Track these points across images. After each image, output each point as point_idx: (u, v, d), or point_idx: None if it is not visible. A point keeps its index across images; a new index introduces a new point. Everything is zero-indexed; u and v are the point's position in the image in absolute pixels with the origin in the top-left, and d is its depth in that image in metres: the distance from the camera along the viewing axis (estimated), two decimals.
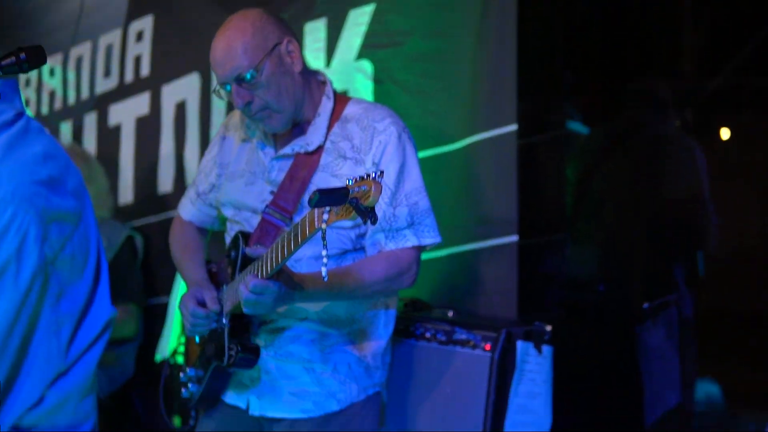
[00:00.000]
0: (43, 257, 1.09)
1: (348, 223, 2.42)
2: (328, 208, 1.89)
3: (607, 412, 3.58)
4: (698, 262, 3.74)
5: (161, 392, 2.88)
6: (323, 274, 1.91)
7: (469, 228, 3.29)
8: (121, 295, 4.05)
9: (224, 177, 2.71)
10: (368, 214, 1.84)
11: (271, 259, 2.21)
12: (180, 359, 2.83)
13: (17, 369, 1.08)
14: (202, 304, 2.53)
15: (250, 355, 2.47)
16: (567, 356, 3.14)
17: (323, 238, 1.91)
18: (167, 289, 4.03)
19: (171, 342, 3.85)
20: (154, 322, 4.17)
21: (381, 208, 2.39)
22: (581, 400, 3.47)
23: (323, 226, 1.90)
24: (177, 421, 3.74)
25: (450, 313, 3.10)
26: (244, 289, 2.25)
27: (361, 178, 1.87)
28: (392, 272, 2.47)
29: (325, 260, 1.90)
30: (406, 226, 2.49)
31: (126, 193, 4.57)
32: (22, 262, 1.07)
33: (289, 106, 2.50)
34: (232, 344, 2.46)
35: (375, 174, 1.86)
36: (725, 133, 3.75)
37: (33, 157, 1.16)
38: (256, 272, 2.29)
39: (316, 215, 2.01)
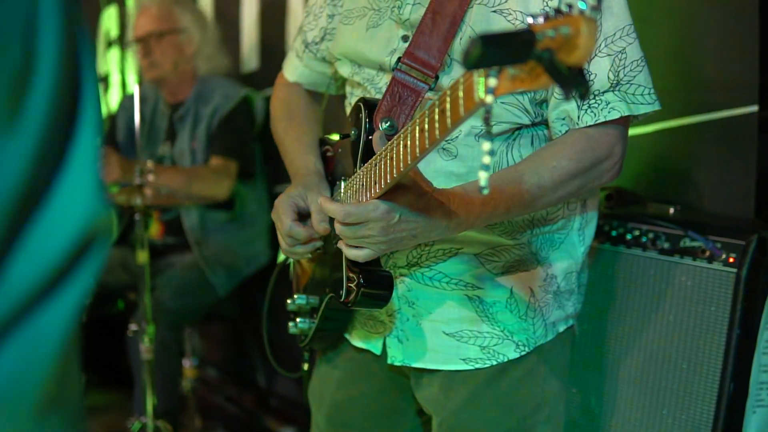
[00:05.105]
0: None
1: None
2: (496, 69, 1.04)
3: None
4: None
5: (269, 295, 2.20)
6: (482, 183, 1.07)
7: (688, 94, 2.60)
8: (225, 147, 3.77)
9: (338, 18, 1.95)
10: (573, 80, 0.98)
11: (394, 158, 1.44)
12: None
13: None
14: (304, 215, 1.77)
15: (379, 290, 1.68)
16: None
17: (486, 122, 1.08)
18: None
19: None
20: None
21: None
22: None
23: (488, 99, 1.06)
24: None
25: (671, 210, 2.28)
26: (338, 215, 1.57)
27: (557, 11, 1.02)
28: (584, 164, 1.66)
29: (486, 159, 1.05)
30: (609, 87, 1.65)
31: (250, 59, 4.23)
32: None
33: None
34: (352, 272, 1.69)
35: (586, 4, 1.00)
36: None
37: None
38: (364, 185, 1.56)
39: (475, 82, 1.14)
